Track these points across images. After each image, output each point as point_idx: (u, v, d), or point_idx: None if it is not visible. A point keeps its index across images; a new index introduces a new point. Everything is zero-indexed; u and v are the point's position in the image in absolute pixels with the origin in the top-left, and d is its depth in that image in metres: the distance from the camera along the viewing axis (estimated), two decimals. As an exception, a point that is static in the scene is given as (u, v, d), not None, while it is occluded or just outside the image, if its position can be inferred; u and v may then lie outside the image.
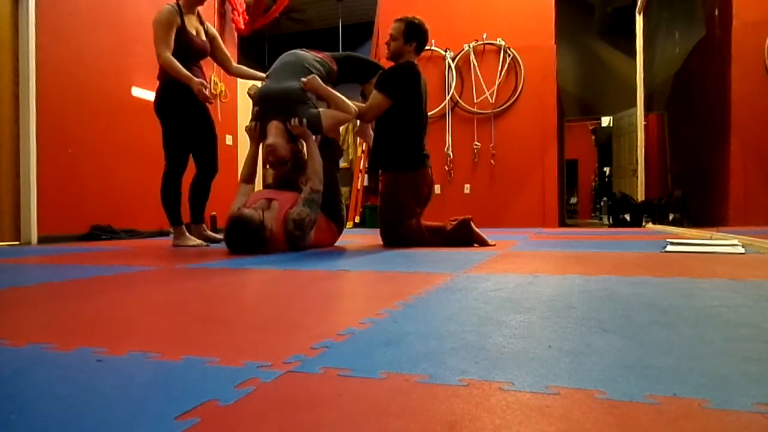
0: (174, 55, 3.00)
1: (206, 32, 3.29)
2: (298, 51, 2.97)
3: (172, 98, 3.10)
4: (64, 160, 4.07)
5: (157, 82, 3.14)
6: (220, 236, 3.49)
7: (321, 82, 2.77)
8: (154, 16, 3.04)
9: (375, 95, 2.96)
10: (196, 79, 3.03)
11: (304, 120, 2.68)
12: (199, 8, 3.26)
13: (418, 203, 3.02)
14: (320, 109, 2.82)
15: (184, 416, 0.49)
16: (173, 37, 3.02)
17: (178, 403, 0.52)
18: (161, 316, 1.01)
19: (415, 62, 3.04)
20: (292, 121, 2.67)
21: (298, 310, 1.06)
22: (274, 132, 2.70)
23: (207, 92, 3.05)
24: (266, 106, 2.78)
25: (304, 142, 2.77)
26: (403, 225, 2.95)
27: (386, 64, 3.18)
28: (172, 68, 3.00)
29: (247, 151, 2.93)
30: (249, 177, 2.84)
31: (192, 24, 3.18)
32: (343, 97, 2.88)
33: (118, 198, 4.40)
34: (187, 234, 3.21)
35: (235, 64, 3.54)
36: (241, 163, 6.84)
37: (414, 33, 2.98)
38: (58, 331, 0.89)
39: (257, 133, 2.81)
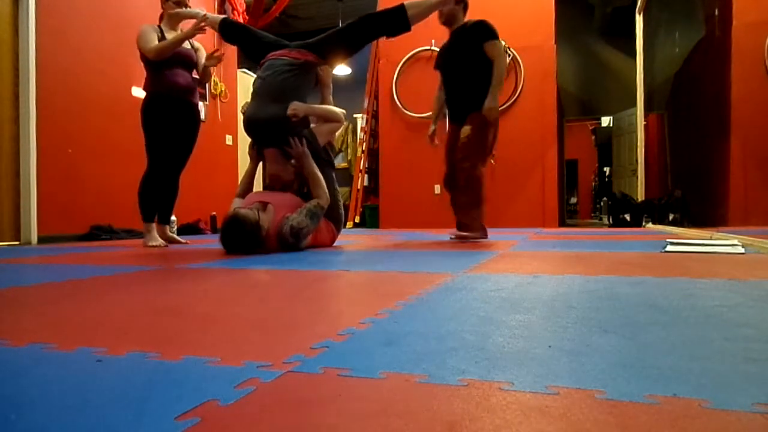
0: (160, 60, 3.14)
1: (192, 46, 3.42)
2: (273, 60, 2.90)
3: (157, 108, 3.23)
4: (64, 160, 4.07)
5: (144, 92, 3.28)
6: (181, 239, 3.56)
7: (303, 106, 2.80)
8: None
9: (497, 45, 3.17)
10: (188, 29, 3.14)
11: (304, 140, 2.76)
12: (181, 27, 3.38)
13: (491, 147, 3.31)
14: (312, 126, 2.91)
15: (184, 416, 0.49)
16: (156, 39, 3.16)
17: (178, 403, 0.52)
18: (161, 316, 1.01)
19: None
20: (291, 141, 2.74)
21: (298, 310, 1.06)
22: (272, 159, 2.81)
23: (201, 25, 3.11)
24: (255, 135, 2.89)
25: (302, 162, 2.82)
26: (477, 168, 3.18)
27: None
28: (165, 46, 3.11)
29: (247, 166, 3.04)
30: (244, 193, 2.90)
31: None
32: (330, 107, 2.98)
33: (118, 198, 4.40)
34: (155, 234, 3.32)
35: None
36: (241, 163, 6.86)
37: None
38: (58, 331, 0.89)
39: (255, 152, 2.93)
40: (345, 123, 3.30)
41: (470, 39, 3.23)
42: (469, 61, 3.24)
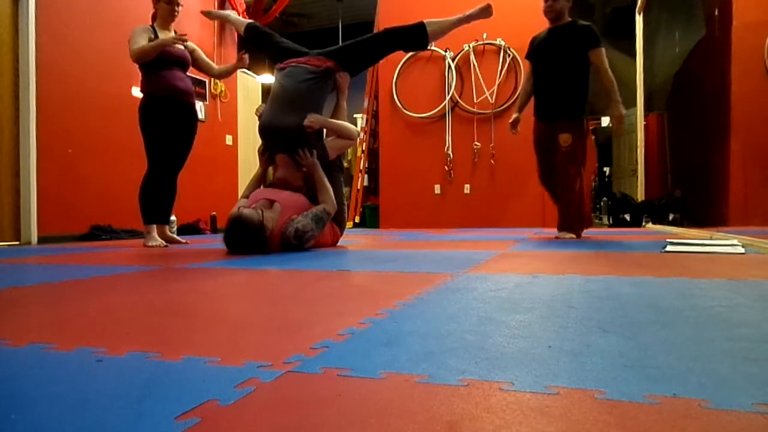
0: (154, 61, 3.13)
1: (185, 47, 3.41)
2: (294, 68, 2.94)
3: (155, 110, 3.23)
4: (64, 160, 4.07)
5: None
6: (181, 239, 3.58)
7: (321, 119, 2.83)
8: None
9: (602, 52, 3.18)
10: (167, 38, 3.13)
11: (314, 151, 2.78)
12: (174, 27, 3.39)
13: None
14: (325, 140, 2.93)
15: (184, 416, 0.49)
16: (146, 41, 3.14)
17: (178, 403, 0.52)
18: (161, 316, 1.01)
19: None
20: (301, 152, 2.75)
21: (298, 310, 1.06)
22: (283, 165, 2.82)
23: (180, 39, 3.13)
24: (270, 141, 2.90)
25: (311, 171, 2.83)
26: (578, 182, 3.23)
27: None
28: (146, 50, 3.10)
29: (256, 171, 3.05)
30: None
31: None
32: (347, 124, 2.99)
33: (118, 198, 4.40)
34: (155, 234, 3.31)
35: (216, 67, 3.60)
36: (240, 163, 6.84)
37: None
38: (58, 331, 0.89)
39: (265, 158, 2.95)
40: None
41: (575, 41, 3.24)
42: (571, 63, 3.26)
